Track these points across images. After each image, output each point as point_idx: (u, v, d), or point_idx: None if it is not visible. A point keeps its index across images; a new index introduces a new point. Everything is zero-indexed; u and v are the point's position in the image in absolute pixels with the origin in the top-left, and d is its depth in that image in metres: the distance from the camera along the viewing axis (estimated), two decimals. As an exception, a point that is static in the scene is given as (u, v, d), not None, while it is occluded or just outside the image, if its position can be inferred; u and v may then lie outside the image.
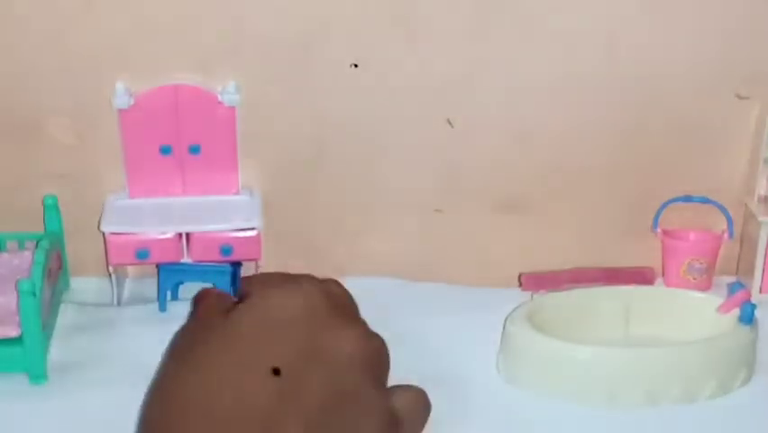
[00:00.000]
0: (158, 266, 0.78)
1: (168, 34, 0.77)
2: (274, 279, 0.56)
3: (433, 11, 0.78)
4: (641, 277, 0.83)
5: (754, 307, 0.73)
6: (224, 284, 0.75)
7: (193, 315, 0.56)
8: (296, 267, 0.84)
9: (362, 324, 0.55)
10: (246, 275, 0.59)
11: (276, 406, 0.47)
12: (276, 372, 0.48)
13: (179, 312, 0.76)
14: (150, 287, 0.80)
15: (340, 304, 0.55)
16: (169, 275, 0.78)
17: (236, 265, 0.79)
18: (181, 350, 0.52)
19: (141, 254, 0.78)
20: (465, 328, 0.78)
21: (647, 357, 0.71)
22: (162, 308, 0.78)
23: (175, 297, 0.80)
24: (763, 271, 0.82)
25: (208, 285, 0.73)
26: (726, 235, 0.84)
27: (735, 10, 0.78)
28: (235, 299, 0.62)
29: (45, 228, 0.81)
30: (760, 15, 0.78)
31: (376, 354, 0.53)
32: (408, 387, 0.55)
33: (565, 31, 0.78)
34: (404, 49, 0.79)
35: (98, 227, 0.78)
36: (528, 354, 0.72)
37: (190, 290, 0.77)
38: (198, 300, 0.58)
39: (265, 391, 0.47)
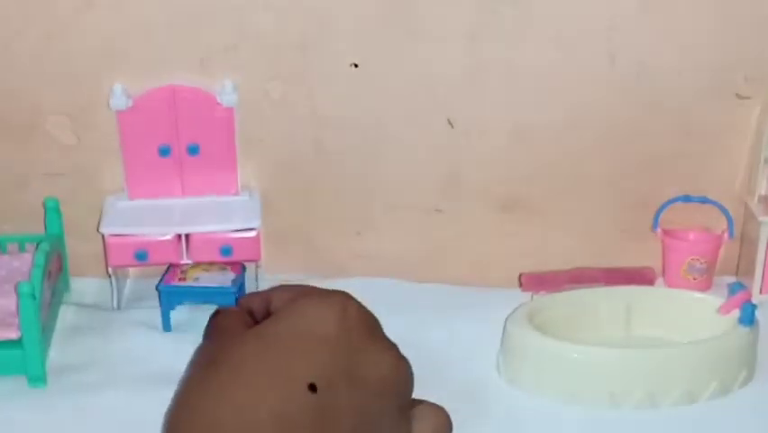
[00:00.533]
0: (158, 288, 0.76)
1: (166, 35, 0.77)
2: (306, 291, 0.54)
3: (433, 11, 0.77)
4: (641, 277, 0.83)
5: (754, 307, 0.73)
6: (228, 305, 0.74)
7: (210, 334, 0.54)
8: (296, 267, 0.85)
9: (394, 346, 0.53)
10: (273, 287, 0.57)
11: (310, 424, 0.46)
12: (312, 388, 0.47)
13: (182, 317, 0.76)
14: (152, 288, 0.80)
15: (373, 322, 0.53)
16: (171, 297, 0.76)
17: (240, 286, 0.78)
18: (210, 360, 0.50)
19: (141, 256, 0.78)
20: (465, 328, 0.78)
21: (648, 358, 0.71)
22: (166, 328, 0.77)
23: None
24: (764, 271, 0.82)
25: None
26: (726, 235, 0.84)
27: (735, 10, 0.78)
28: (252, 317, 0.60)
29: (45, 230, 0.80)
30: (760, 16, 0.78)
31: (405, 379, 0.52)
32: (430, 407, 0.54)
33: (565, 30, 0.78)
34: (404, 49, 0.78)
35: (98, 229, 0.78)
36: (528, 354, 0.72)
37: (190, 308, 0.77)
38: (216, 318, 0.55)
39: (301, 408, 0.46)
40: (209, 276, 0.78)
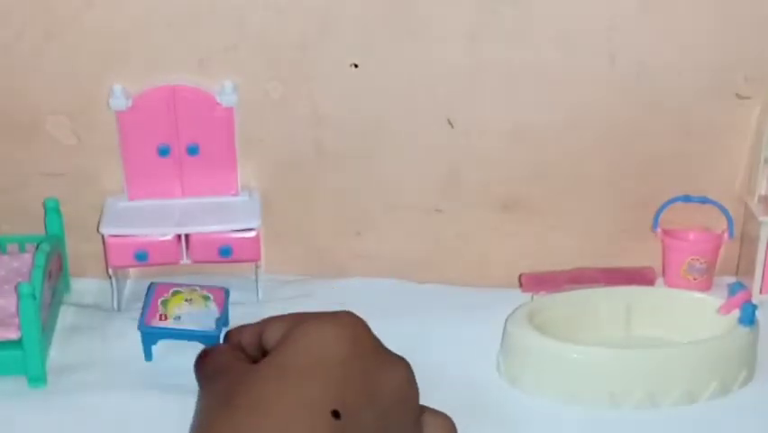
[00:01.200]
0: (139, 326, 0.74)
1: (166, 35, 0.77)
2: (301, 317, 0.52)
3: (433, 11, 0.77)
4: (641, 277, 0.83)
5: (754, 307, 0.73)
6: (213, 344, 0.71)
7: (210, 376, 0.53)
8: (296, 267, 0.85)
9: (400, 356, 0.53)
10: (262, 319, 0.55)
11: None
12: (336, 414, 0.46)
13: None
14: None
15: (375, 336, 0.53)
16: (152, 337, 0.74)
17: (224, 321, 0.75)
18: (225, 401, 0.48)
19: (141, 256, 0.78)
20: (465, 328, 0.78)
21: (648, 358, 0.71)
22: (148, 358, 0.74)
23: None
24: (764, 271, 0.82)
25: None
26: (726, 235, 0.84)
27: (735, 10, 0.78)
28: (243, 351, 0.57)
29: (46, 231, 0.80)
30: (760, 16, 0.78)
31: (415, 387, 0.52)
32: (437, 416, 0.54)
33: (565, 30, 0.78)
34: (404, 49, 0.78)
35: (97, 229, 0.78)
36: (529, 354, 0.72)
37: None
38: (207, 359, 0.54)
39: None
40: (191, 312, 0.74)
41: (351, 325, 0.50)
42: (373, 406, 0.48)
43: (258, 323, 0.54)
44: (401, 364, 0.51)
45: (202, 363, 0.53)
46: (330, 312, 0.51)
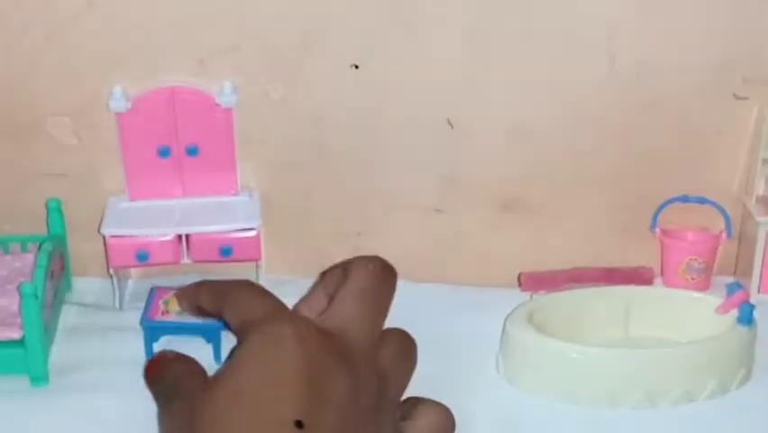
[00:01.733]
0: (142, 322, 0.74)
1: (165, 36, 0.77)
2: (255, 313, 0.54)
3: (433, 11, 0.78)
4: (640, 277, 0.83)
5: (752, 307, 0.74)
6: (214, 340, 0.71)
7: (165, 395, 0.55)
8: (296, 267, 0.85)
9: (346, 353, 0.53)
10: (227, 286, 0.58)
11: None
12: (299, 424, 0.47)
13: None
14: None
15: (338, 329, 0.54)
16: (155, 332, 0.74)
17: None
18: (187, 418, 0.49)
19: (142, 257, 0.78)
20: (465, 328, 0.78)
21: (646, 358, 0.72)
22: (149, 357, 0.73)
23: None
24: (762, 271, 0.82)
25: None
26: (724, 235, 0.84)
27: (734, 10, 0.78)
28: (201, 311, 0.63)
29: (48, 231, 0.81)
30: (759, 16, 0.78)
31: (372, 383, 0.53)
32: (433, 405, 0.54)
33: (565, 31, 0.78)
34: (404, 49, 0.79)
35: (99, 229, 0.79)
36: (528, 354, 0.73)
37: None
38: (158, 375, 0.56)
39: None
40: None
41: (295, 333, 0.51)
42: (333, 407, 0.48)
43: (216, 290, 0.59)
44: (347, 367, 0.51)
45: (152, 374, 0.54)
46: (277, 319, 0.52)
